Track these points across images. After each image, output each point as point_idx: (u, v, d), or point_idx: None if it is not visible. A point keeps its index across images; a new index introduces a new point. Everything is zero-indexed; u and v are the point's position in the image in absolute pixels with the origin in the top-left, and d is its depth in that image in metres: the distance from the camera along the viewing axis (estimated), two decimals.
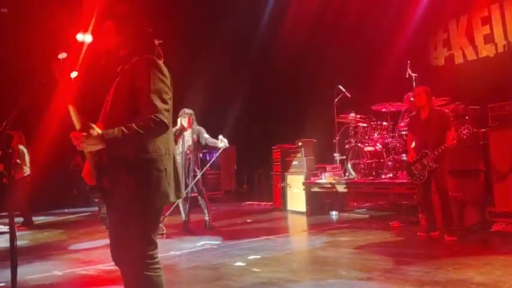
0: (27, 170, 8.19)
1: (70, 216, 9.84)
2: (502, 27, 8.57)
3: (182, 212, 6.91)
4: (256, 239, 6.10)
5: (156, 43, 2.77)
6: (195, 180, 6.73)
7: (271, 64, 12.49)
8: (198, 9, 12.28)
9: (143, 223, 2.38)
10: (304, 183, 8.34)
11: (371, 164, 7.55)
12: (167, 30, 10.62)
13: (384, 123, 7.83)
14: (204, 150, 10.84)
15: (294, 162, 8.94)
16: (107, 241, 2.53)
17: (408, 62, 7.49)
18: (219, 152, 6.98)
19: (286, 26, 11.97)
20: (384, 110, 7.75)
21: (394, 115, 7.85)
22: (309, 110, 10.91)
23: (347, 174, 8.15)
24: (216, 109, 11.73)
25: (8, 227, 7.77)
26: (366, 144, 7.75)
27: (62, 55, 2.13)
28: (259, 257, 4.99)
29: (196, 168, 6.80)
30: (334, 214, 8.09)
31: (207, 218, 6.99)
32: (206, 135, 6.85)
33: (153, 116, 2.24)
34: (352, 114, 8.11)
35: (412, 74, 7.38)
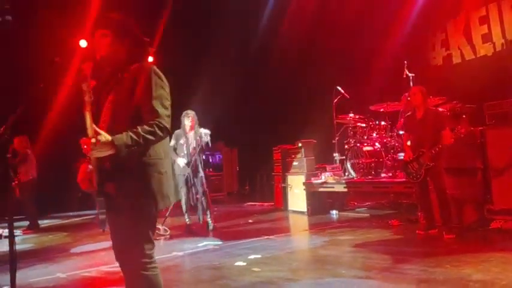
0: (32, 174, 8.29)
1: (75, 219, 9.91)
2: (500, 26, 8.60)
3: (186, 215, 6.99)
4: (257, 239, 6.16)
5: (149, 51, 2.85)
6: (200, 181, 6.85)
7: (270, 66, 12.53)
8: (197, 9, 12.34)
9: (145, 224, 2.46)
10: (304, 183, 8.40)
11: (370, 163, 7.61)
12: (167, 31, 10.75)
13: (382, 123, 7.89)
14: (206, 152, 10.94)
15: (295, 163, 9.00)
16: (110, 243, 2.59)
17: (405, 62, 7.53)
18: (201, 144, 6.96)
19: (285, 27, 12.00)
20: (381, 110, 7.82)
21: (392, 115, 7.92)
22: (309, 111, 10.97)
23: (347, 174, 8.21)
24: (215, 112, 11.77)
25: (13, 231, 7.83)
26: (365, 144, 7.82)
27: (88, 65, 2.19)
28: (259, 256, 5.05)
29: (200, 169, 6.89)
30: (334, 213, 8.15)
31: (209, 219, 7.05)
32: (207, 137, 6.91)
33: (157, 122, 2.34)
34: (351, 115, 8.17)
35: (409, 74, 7.43)
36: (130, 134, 2.26)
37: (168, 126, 2.40)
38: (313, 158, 8.82)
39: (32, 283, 4.50)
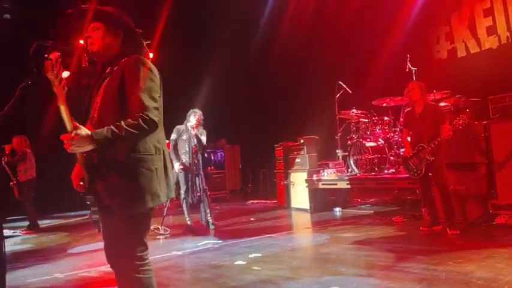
0: (31, 173, 8.26)
1: (76, 219, 9.88)
2: (504, 18, 8.46)
3: (187, 215, 6.94)
4: (258, 237, 6.08)
5: (144, 44, 2.76)
6: (200, 179, 6.82)
7: (272, 63, 12.45)
8: (198, 5, 12.26)
9: (134, 224, 2.36)
10: (307, 181, 8.31)
11: (373, 159, 7.50)
12: (169, 30, 10.68)
13: (385, 118, 7.78)
14: (208, 150, 10.89)
15: (297, 160, 8.90)
16: None
17: (408, 55, 7.42)
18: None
19: (286, 22, 11.92)
20: (384, 104, 7.70)
21: (394, 109, 7.79)
22: (311, 107, 10.87)
23: (350, 170, 8.10)
24: (218, 109, 11.72)
25: (13, 231, 7.83)
26: (368, 140, 7.71)
27: (54, 55, 2.10)
28: (260, 255, 4.98)
29: (200, 167, 6.86)
30: (337, 211, 8.05)
31: (209, 218, 7.00)
32: (204, 138, 6.91)
33: (142, 115, 2.22)
34: (354, 110, 8.06)
35: (412, 68, 7.32)
36: (112, 127, 2.16)
37: (156, 119, 2.27)
38: (315, 154, 8.71)
39: (28, 283, 4.45)
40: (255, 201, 10.91)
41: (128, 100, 2.30)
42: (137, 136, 2.25)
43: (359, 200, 8.99)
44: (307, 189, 8.29)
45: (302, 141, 8.75)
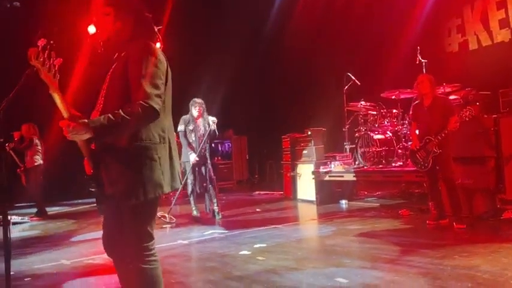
0: (39, 160, 8.31)
1: (84, 207, 9.96)
2: None
3: (193, 205, 6.97)
4: (263, 228, 6.09)
5: (156, 29, 2.71)
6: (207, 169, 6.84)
7: (280, 54, 12.37)
8: None
9: (137, 214, 2.32)
10: (313, 172, 8.29)
11: (381, 152, 7.46)
12: (178, 21, 10.64)
13: (394, 110, 7.71)
14: (216, 140, 10.88)
15: (304, 151, 8.87)
16: None
17: (418, 48, 7.33)
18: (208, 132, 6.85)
19: (296, 15, 11.82)
20: (393, 97, 7.63)
21: (403, 102, 7.71)
22: (319, 99, 10.81)
23: (357, 162, 8.06)
24: (225, 100, 11.70)
25: (21, 217, 7.89)
26: (376, 132, 7.66)
27: (41, 42, 2.06)
28: (265, 245, 4.99)
29: (208, 157, 6.87)
30: (343, 203, 8.03)
31: (215, 207, 7.01)
32: (214, 126, 6.87)
33: (141, 102, 2.18)
34: (362, 102, 7.99)
35: (422, 60, 7.23)
36: (109, 115, 2.13)
37: (157, 107, 2.21)
38: (322, 146, 8.67)
39: (35, 269, 4.51)
40: (262, 192, 10.92)
41: (131, 86, 2.26)
42: (136, 124, 2.20)
43: (365, 193, 8.95)
44: (313, 181, 8.27)
45: (309, 133, 8.71)
